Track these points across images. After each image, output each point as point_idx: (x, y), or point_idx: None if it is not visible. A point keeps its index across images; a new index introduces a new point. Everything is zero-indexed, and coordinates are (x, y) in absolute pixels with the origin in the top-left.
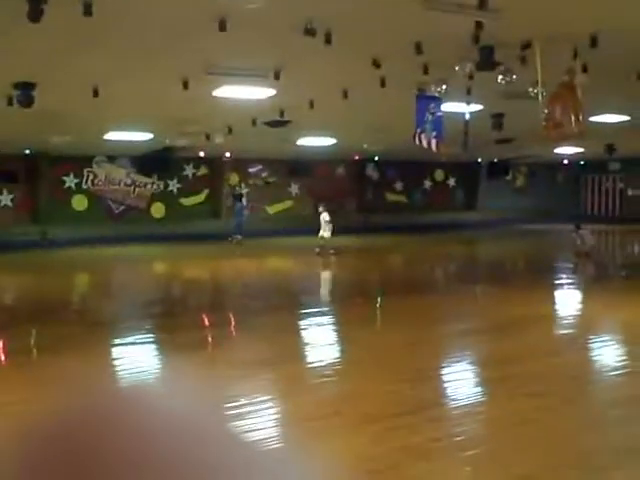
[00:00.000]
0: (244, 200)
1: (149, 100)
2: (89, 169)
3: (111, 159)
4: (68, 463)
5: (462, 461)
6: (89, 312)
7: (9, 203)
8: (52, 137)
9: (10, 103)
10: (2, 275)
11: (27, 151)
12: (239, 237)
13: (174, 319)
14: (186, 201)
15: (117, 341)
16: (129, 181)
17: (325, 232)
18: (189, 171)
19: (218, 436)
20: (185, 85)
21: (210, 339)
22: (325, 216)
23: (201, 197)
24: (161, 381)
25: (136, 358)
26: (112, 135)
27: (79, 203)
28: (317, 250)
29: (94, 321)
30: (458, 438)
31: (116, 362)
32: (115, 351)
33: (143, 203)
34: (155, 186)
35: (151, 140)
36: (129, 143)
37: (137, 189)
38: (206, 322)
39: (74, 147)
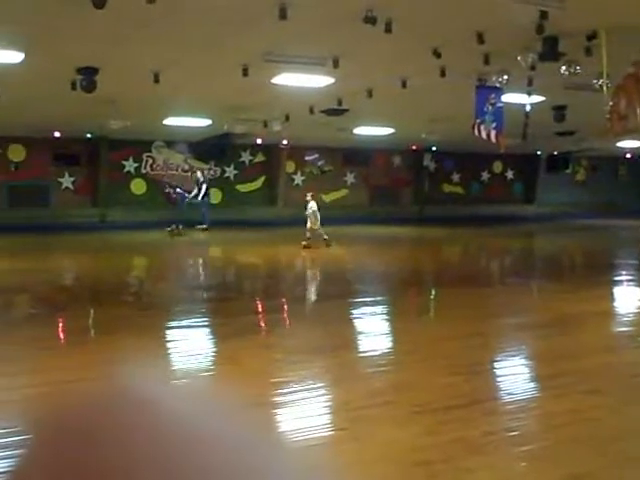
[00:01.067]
0: (203, 188)
1: (209, 86)
2: (148, 154)
3: (169, 144)
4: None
5: (517, 456)
6: (145, 294)
7: (70, 186)
8: (112, 122)
9: (74, 87)
10: (62, 256)
11: (88, 135)
12: (204, 226)
13: (228, 304)
14: (242, 187)
15: (172, 324)
16: (187, 166)
17: (314, 223)
18: (246, 158)
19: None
20: (245, 72)
21: (263, 325)
22: (313, 205)
23: (257, 184)
24: (213, 367)
25: (190, 341)
26: (171, 120)
27: (138, 187)
28: (325, 240)
29: (150, 303)
30: (512, 433)
31: (170, 345)
32: (170, 334)
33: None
34: (212, 172)
35: (209, 126)
36: (187, 129)
37: (194, 174)
38: (260, 308)
39: (134, 132)
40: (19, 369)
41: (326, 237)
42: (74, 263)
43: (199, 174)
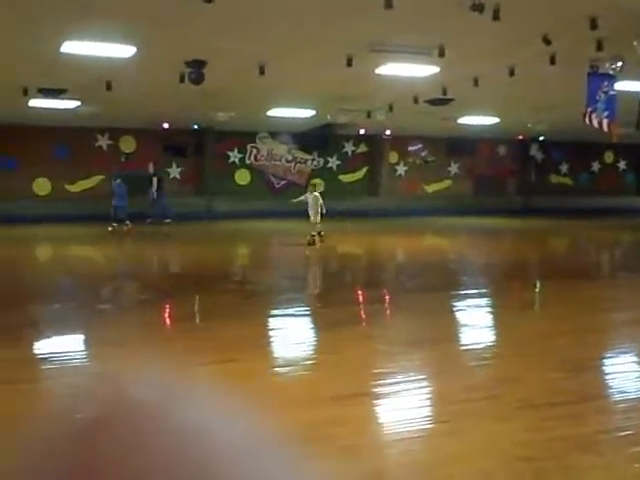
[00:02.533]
0: (154, 181)
1: (313, 77)
2: (252, 145)
3: (273, 135)
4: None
5: (630, 457)
6: (249, 283)
7: (177, 175)
8: (219, 113)
9: (182, 80)
10: (170, 244)
11: (195, 126)
12: (167, 220)
13: (329, 293)
14: (345, 178)
15: (275, 312)
16: (290, 157)
17: (316, 216)
18: (349, 148)
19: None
20: (349, 63)
21: (365, 315)
22: (318, 197)
23: (360, 174)
24: (315, 356)
25: (293, 330)
26: (275, 112)
27: (242, 177)
28: (312, 239)
29: (253, 292)
30: (625, 432)
31: (273, 333)
32: (273, 322)
33: (303, 179)
34: (315, 162)
35: (313, 117)
36: (291, 120)
37: (297, 165)
38: (361, 298)
39: (238, 123)
40: (131, 353)
41: (314, 234)
42: (181, 251)
43: (150, 166)
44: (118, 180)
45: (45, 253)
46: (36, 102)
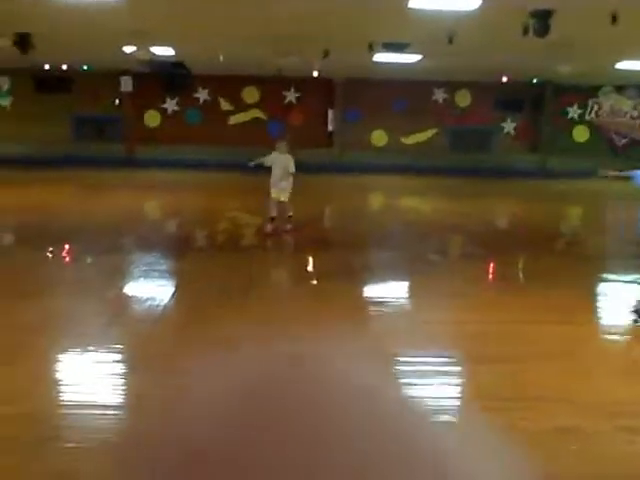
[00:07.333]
0: None
1: None
2: (594, 99)
3: (618, 89)
4: None
5: None
6: (580, 245)
7: (511, 131)
8: (560, 66)
9: (525, 32)
10: (498, 201)
11: (534, 80)
12: None
13: None
14: None
15: (608, 277)
16: (636, 113)
17: (283, 190)
18: None
19: None
20: None
21: None
22: (288, 159)
23: None
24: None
25: (628, 298)
26: (624, 64)
27: (580, 134)
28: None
29: (585, 254)
30: None
31: (605, 298)
32: (605, 287)
33: None
34: None
35: None
36: None
37: None
38: None
39: (581, 76)
40: (457, 304)
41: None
42: (508, 208)
43: None
44: None
45: (379, 202)
46: (380, 57)
